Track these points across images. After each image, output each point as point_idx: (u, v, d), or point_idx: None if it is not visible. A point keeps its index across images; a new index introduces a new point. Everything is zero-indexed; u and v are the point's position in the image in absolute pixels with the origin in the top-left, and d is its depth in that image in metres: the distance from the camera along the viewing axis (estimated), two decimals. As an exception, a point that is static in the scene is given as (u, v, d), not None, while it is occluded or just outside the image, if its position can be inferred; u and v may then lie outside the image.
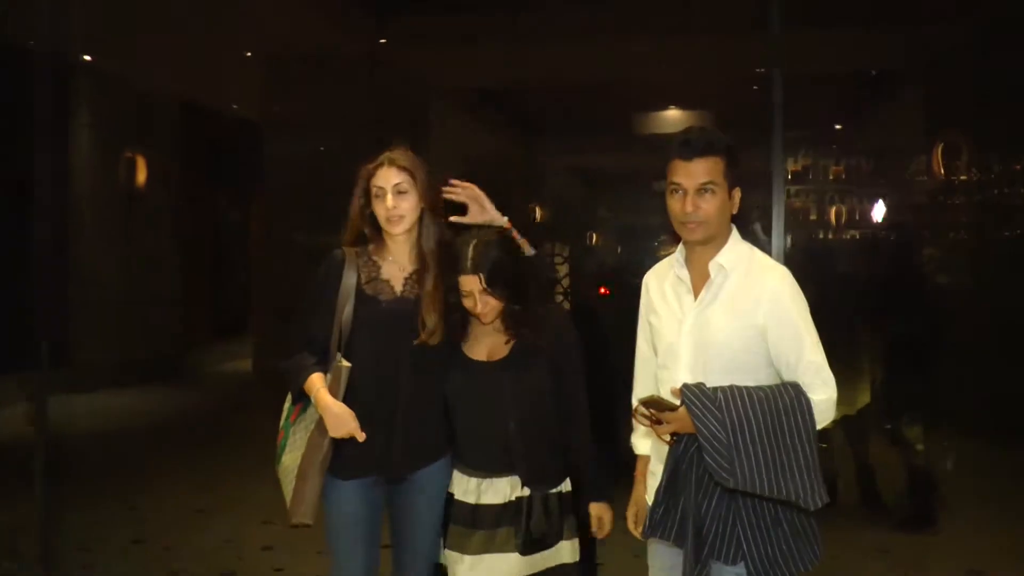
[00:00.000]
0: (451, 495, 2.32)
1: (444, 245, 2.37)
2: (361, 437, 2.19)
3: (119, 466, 4.70)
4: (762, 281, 1.97)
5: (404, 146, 2.32)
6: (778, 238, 2.88)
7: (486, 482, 2.29)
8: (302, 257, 4.52)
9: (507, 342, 2.20)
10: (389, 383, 2.28)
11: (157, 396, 6.74)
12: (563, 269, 4.38)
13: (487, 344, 2.25)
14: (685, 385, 1.92)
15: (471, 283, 2.23)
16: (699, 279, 2.03)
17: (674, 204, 2.00)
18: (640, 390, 2.14)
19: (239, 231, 9.53)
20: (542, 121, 3.85)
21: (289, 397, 2.37)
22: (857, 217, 3.92)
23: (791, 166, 3.59)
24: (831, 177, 3.83)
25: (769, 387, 1.91)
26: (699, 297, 2.00)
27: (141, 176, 7.12)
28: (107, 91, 6.73)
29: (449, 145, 4.09)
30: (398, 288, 2.33)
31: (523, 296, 2.21)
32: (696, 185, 1.96)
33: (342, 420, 2.19)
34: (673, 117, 4.51)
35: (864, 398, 3.70)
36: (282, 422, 2.35)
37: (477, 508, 2.24)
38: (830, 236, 3.79)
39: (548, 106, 3.89)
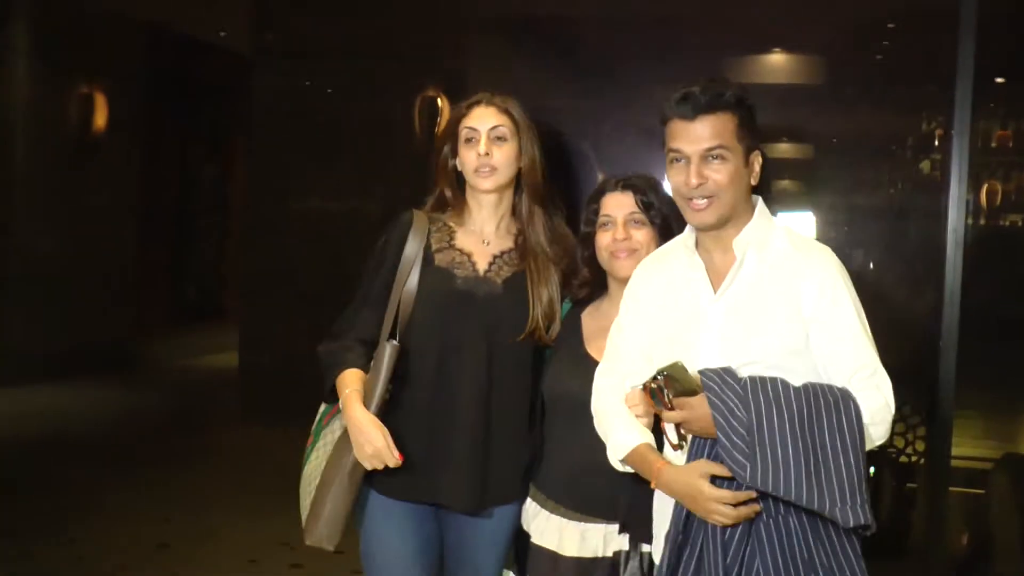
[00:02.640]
0: (525, 534, 2.13)
1: (551, 233, 2.22)
2: (395, 462, 2.02)
3: (55, 485, 4.44)
4: (805, 263, 1.88)
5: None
6: (956, 228, 2.64)
7: (572, 525, 2.12)
8: (300, 227, 4.35)
9: None
10: (459, 385, 2.13)
11: (108, 395, 6.52)
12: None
13: None
14: (706, 368, 1.82)
15: (618, 204, 2.13)
16: (718, 270, 1.93)
17: (675, 176, 1.91)
18: (613, 405, 1.98)
19: (218, 192, 9.26)
20: (608, 63, 3.62)
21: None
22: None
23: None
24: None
25: (810, 384, 1.81)
26: (721, 287, 1.90)
27: (99, 120, 6.76)
28: (51, 9, 6.35)
29: (491, 88, 3.84)
30: (482, 265, 2.19)
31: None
32: (701, 151, 1.86)
33: (368, 435, 2.02)
34: (778, 64, 4.19)
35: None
36: (314, 425, 2.24)
37: (559, 559, 2.11)
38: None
39: (619, 43, 3.65)
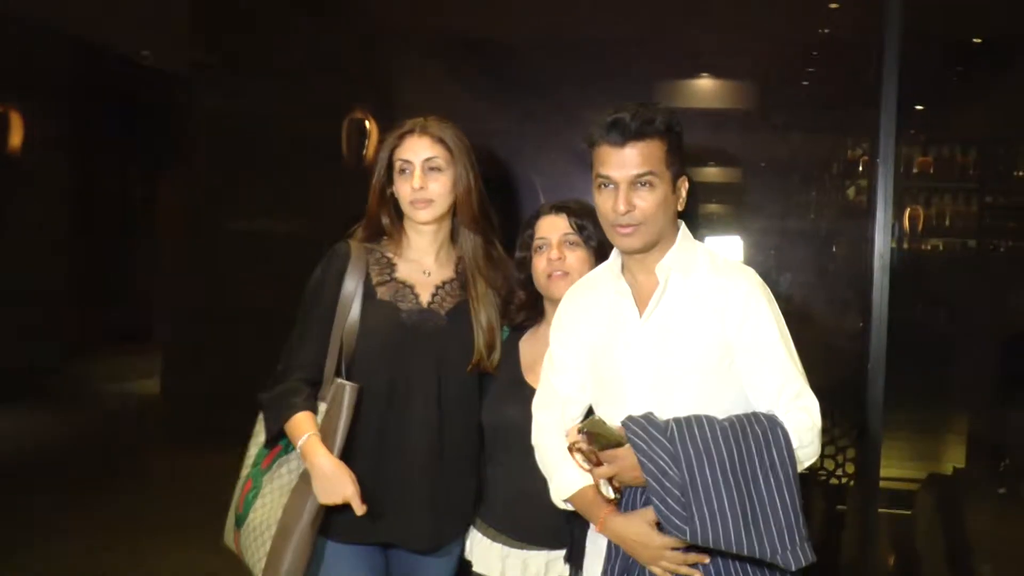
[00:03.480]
0: (467, 563, 2.13)
1: (490, 260, 2.19)
2: (361, 510, 1.96)
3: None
4: (728, 285, 1.88)
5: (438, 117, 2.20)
6: (883, 253, 2.71)
7: (515, 553, 2.10)
8: (232, 248, 4.25)
9: None
10: (409, 422, 2.08)
11: (28, 420, 6.25)
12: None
13: None
14: (628, 417, 1.78)
15: (553, 226, 2.12)
16: (643, 294, 1.92)
17: (603, 202, 1.90)
18: (554, 441, 1.96)
19: (147, 212, 9.17)
20: (541, 84, 3.63)
21: (256, 433, 2.16)
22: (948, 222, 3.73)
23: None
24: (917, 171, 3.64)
25: (735, 416, 1.79)
26: (646, 311, 1.89)
27: (15, 137, 6.58)
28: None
29: (420, 111, 3.83)
30: (424, 297, 2.12)
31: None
32: (630, 177, 1.85)
33: (336, 482, 1.94)
34: (707, 89, 4.26)
35: (959, 451, 3.44)
36: (248, 468, 2.17)
37: None
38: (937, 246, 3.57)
39: (548, 65, 3.67)
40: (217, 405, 3.65)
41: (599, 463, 1.82)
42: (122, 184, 9.23)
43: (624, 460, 1.78)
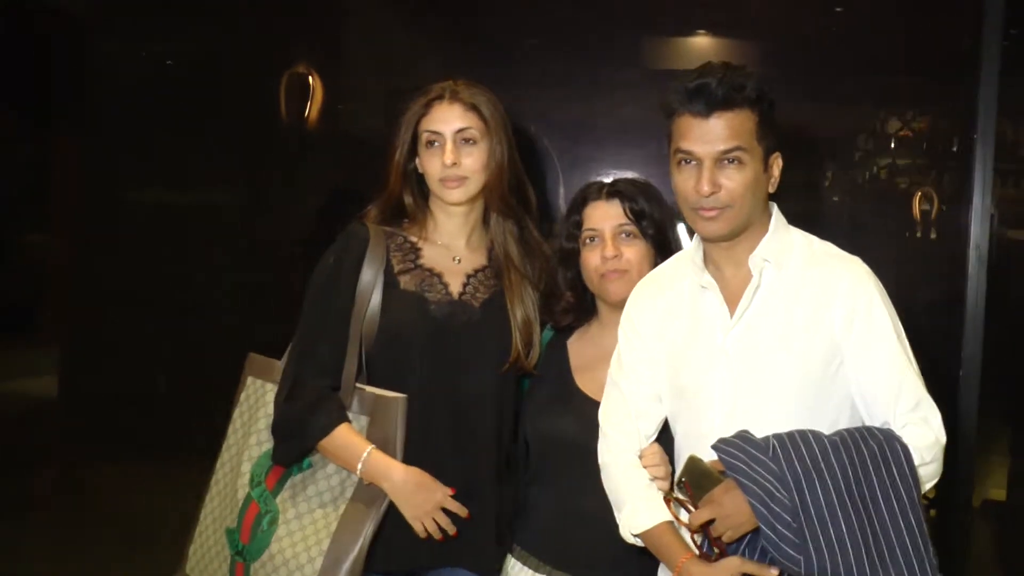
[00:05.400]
0: None
1: (524, 247, 2.01)
2: (465, 512, 1.90)
3: None
4: (832, 278, 1.75)
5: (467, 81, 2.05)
6: (980, 239, 2.44)
7: None
8: (139, 224, 3.78)
9: None
10: (446, 430, 1.96)
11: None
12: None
13: (605, 373, 1.87)
14: (720, 440, 1.66)
15: (605, 215, 1.98)
16: (732, 290, 1.80)
17: (684, 181, 1.77)
18: (626, 461, 1.84)
19: (39, 178, 8.53)
20: (513, 45, 3.27)
21: (229, 446, 2.03)
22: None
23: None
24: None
25: (845, 431, 1.68)
26: (738, 310, 1.77)
27: None
28: None
29: (372, 67, 3.50)
30: (455, 287, 1.98)
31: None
32: (716, 153, 1.72)
33: (430, 491, 1.85)
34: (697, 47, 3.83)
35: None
36: (249, 489, 1.98)
37: None
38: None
39: (520, 24, 3.30)
40: (123, 407, 3.39)
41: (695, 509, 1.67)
42: (13, 145, 8.59)
43: (726, 504, 1.61)
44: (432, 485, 1.89)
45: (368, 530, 1.92)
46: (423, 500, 1.86)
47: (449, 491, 1.91)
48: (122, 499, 2.70)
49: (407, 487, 1.87)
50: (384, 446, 1.92)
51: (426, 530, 1.91)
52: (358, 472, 1.93)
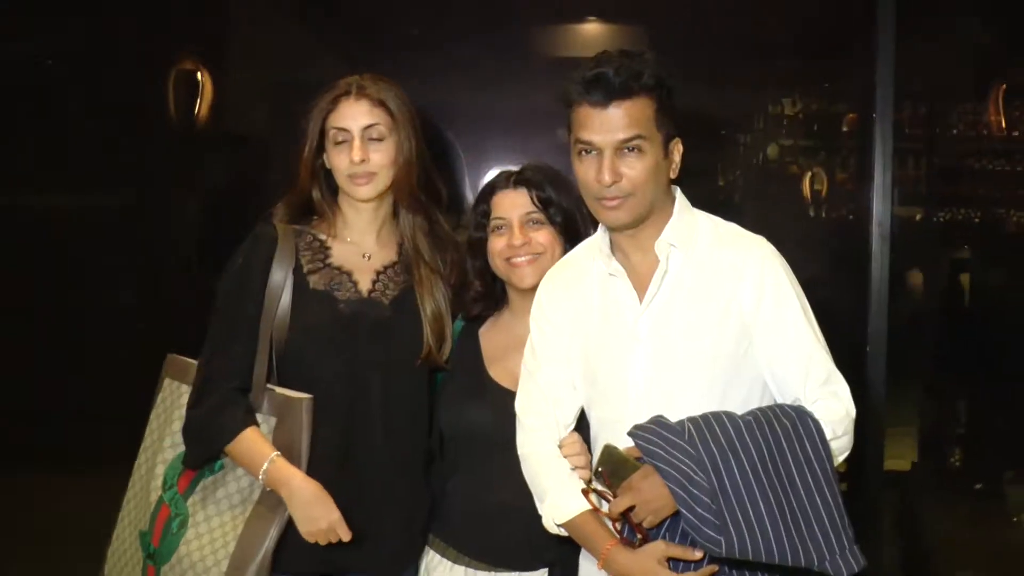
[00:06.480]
0: None
1: (433, 240, 2.02)
2: (348, 536, 1.86)
3: None
4: (738, 258, 1.76)
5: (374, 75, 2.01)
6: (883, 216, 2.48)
7: None
8: (23, 228, 3.50)
9: None
10: (360, 431, 1.95)
11: None
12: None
13: (518, 362, 1.87)
14: (636, 426, 1.66)
15: (512, 203, 1.99)
16: (640, 276, 1.81)
17: (585, 171, 1.76)
18: (546, 451, 1.83)
19: None
20: (395, 32, 3.22)
21: (145, 448, 2.01)
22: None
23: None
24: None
25: (757, 410, 1.69)
26: (647, 296, 1.77)
27: None
28: None
29: (259, 60, 3.41)
30: (364, 284, 1.98)
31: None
32: (616, 142, 1.71)
33: (323, 508, 1.82)
34: (594, 34, 3.82)
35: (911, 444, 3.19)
36: (162, 492, 1.99)
37: None
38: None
39: (416, 13, 3.25)
40: (23, 418, 3.20)
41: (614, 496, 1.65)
42: None
43: (645, 489, 1.60)
44: (327, 503, 1.87)
45: (273, 532, 1.91)
46: (315, 516, 1.84)
47: (338, 516, 1.88)
48: (45, 508, 2.75)
49: (304, 500, 1.85)
50: (290, 447, 1.90)
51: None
52: (260, 478, 1.91)
